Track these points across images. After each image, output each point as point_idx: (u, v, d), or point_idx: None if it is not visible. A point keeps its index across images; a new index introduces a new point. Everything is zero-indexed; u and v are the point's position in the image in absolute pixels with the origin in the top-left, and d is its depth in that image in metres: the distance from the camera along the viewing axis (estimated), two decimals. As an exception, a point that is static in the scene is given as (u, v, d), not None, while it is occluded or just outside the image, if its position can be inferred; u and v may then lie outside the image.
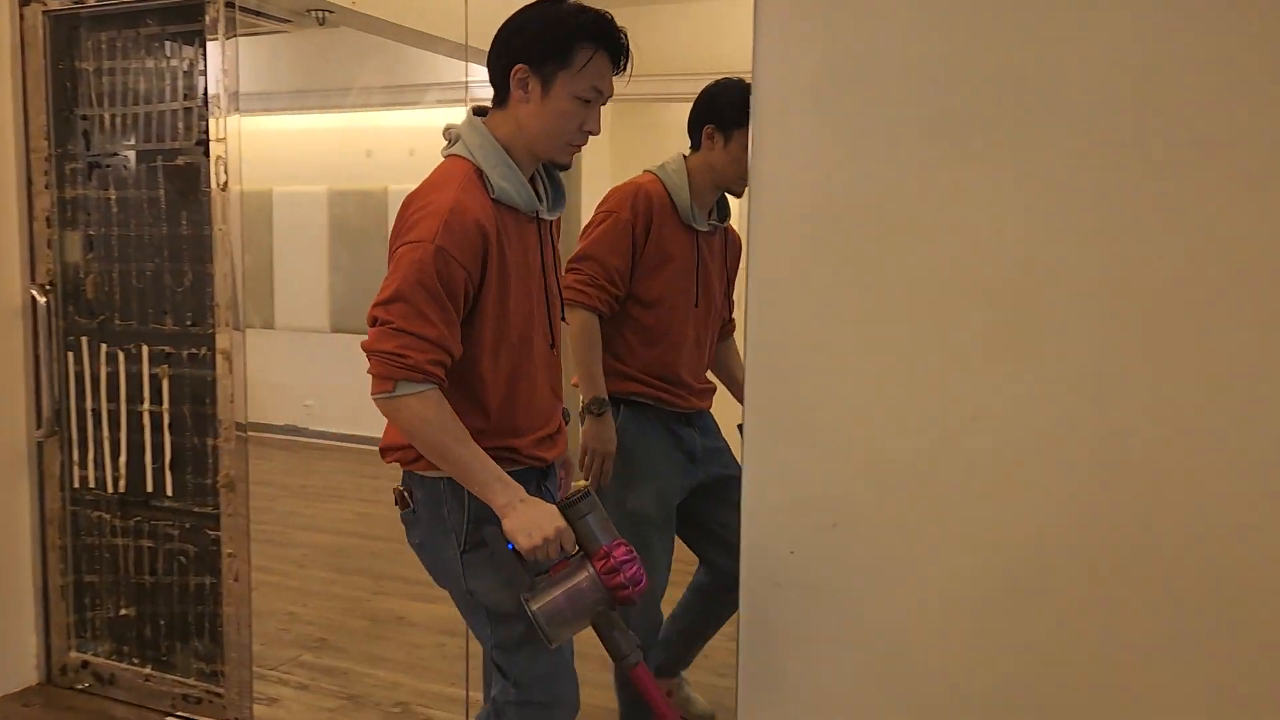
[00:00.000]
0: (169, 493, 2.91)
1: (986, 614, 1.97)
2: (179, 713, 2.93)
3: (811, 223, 2.06)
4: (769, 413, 2.08)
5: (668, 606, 2.71)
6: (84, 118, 2.91)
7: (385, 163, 5.97)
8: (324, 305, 6.22)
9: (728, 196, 2.62)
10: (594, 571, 1.59)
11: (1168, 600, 1.82)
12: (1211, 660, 1.80)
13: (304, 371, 6.18)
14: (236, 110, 2.71)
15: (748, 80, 1.96)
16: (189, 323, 2.85)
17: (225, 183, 2.72)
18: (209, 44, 2.69)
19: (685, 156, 2.51)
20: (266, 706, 2.96)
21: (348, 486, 5.55)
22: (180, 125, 2.80)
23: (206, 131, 2.72)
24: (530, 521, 1.59)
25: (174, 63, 2.79)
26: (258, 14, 3.93)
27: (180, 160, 2.81)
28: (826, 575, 2.07)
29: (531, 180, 1.81)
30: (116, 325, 2.93)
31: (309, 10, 4.02)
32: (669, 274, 2.41)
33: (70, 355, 2.98)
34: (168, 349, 2.88)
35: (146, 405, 2.91)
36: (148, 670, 3.00)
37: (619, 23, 1.79)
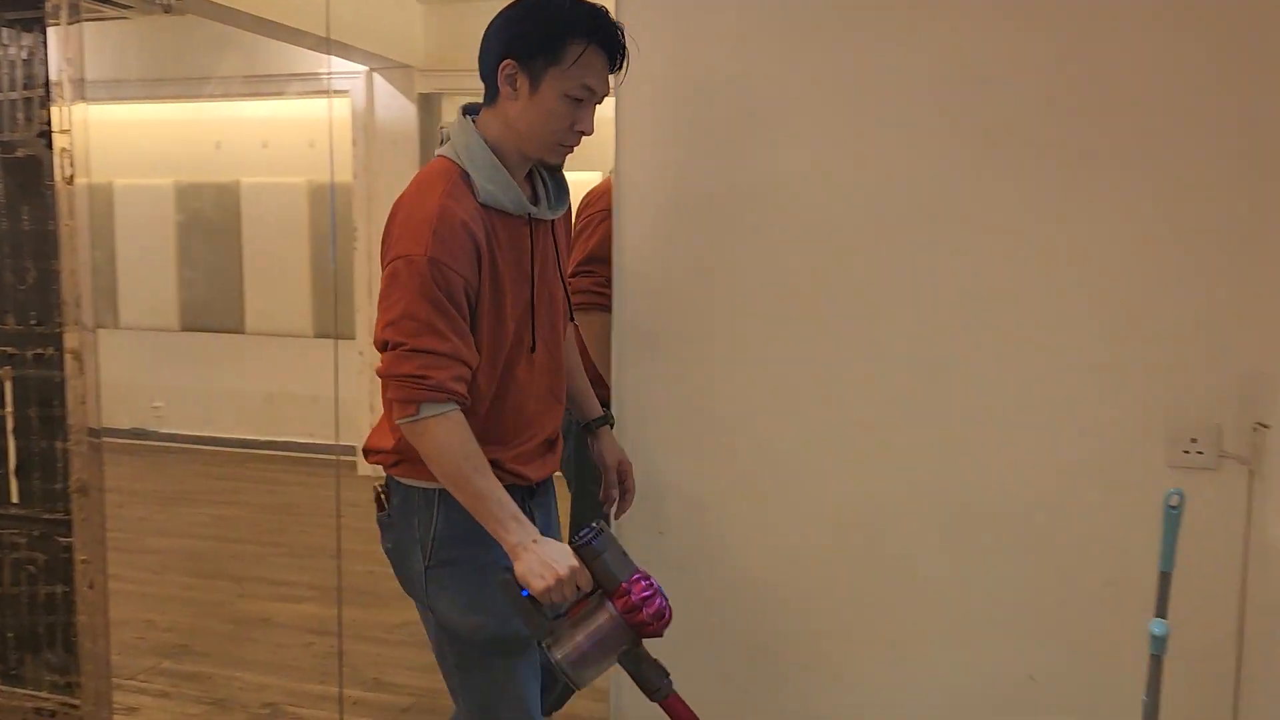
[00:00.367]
0: (15, 499, 2.78)
1: (834, 568, 2.12)
2: (31, 728, 2.81)
3: (669, 219, 2.16)
4: (635, 399, 2.17)
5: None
6: (-90, 106, 2.74)
7: (237, 155, 5.79)
8: (172, 303, 5.99)
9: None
10: (615, 611, 1.49)
11: (989, 549, 2.01)
12: (1022, 591, 1.98)
13: (151, 372, 5.93)
14: (82, 99, 2.61)
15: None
16: (34, 322, 2.73)
17: (71, 175, 2.62)
18: (50, 30, 2.58)
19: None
20: (126, 716, 2.87)
21: (203, 490, 5.37)
22: (20, 116, 2.67)
23: (49, 122, 2.61)
24: (542, 564, 1.49)
25: (12, 51, 2.66)
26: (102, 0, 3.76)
27: (20, 152, 2.68)
28: (694, 550, 2.18)
29: (530, 178, 1.74)
30: (-48, 325, 2.77)
31: (154, -4, 3.87)
32: None
33: (-99, 358, 2.80)
34: (10, 349, 2.74)
35: (-13, 409, 2.77)
36: (-6, 686, 2.86)
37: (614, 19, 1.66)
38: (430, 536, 1.67)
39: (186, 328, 5.99)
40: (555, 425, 1.79)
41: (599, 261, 2.25)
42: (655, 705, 1.52)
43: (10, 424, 2.75)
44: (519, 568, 1.51)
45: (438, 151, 1.68)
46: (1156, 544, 1.58)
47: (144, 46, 5.40)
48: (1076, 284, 1.94)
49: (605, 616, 1.48)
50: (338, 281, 5.50)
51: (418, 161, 5.24)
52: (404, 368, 1.52)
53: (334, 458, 5.51)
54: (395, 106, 5.23)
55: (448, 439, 1.54)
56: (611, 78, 1.67)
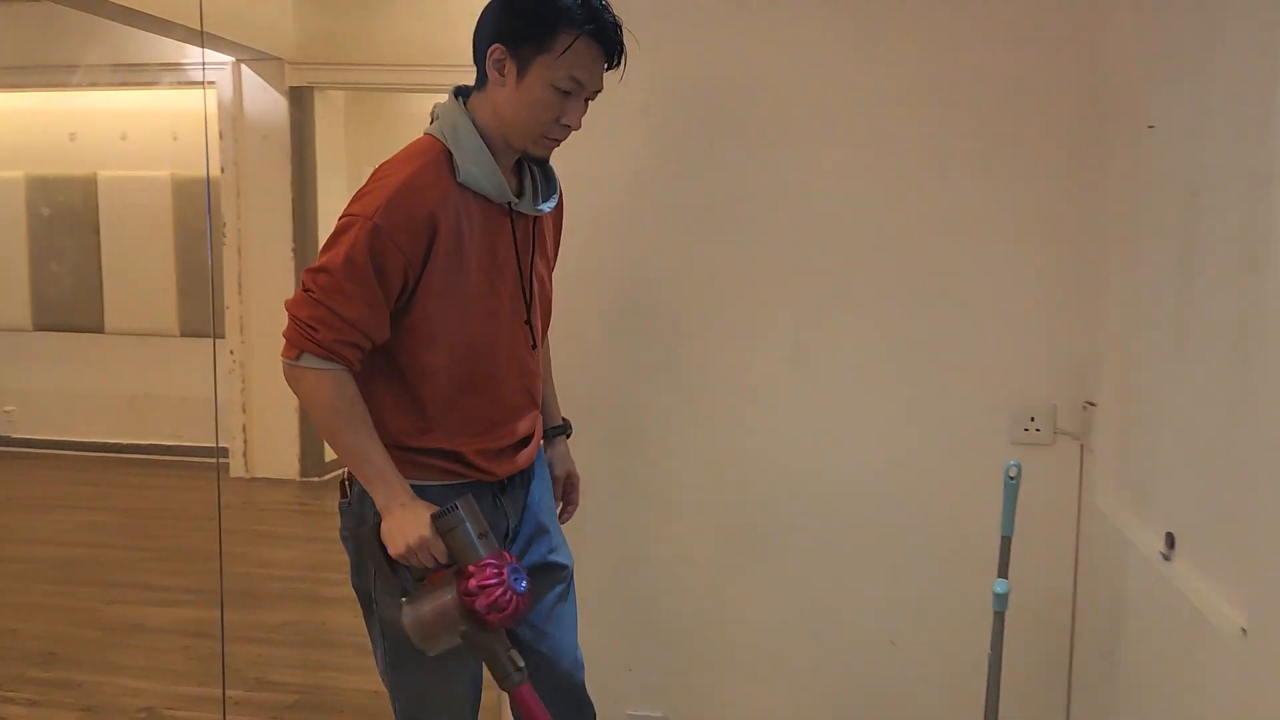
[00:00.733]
0: None
1: (720, 551, 2.25)
2: (-114, 746, 2.69)
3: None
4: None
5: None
6: None
7: (94, 147, 5.55)
8: (24, 301, 5.71)
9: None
10: (455, 591, 1.47)
11: (853, 524, 2.17)
12: (883, 562, 2.14)
13: (2, 374, 5.66)
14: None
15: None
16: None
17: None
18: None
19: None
20: (-8, 727, 2.78)
21: (65, 495, 5.15)
22: None
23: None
24: (399, 528, 1.50)
25: None
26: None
27: None
28: (596, 543, 2.27)
29: (519, 170, 1.69)
30: None
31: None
32: None
33: None
34: None
35: None
36: None
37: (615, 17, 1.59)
38: (377, 523, 1.61)
39: (40, 327, 5.72)
40: (530, 427, 1.75)
41: None
42: None
43: None
44: (384, 526, 1.52)
45: (425, 129, 1.64)
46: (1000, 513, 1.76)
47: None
48: (930, 281, 2.11)
49: (449, 594, 1.47)
50: (214, 278, 5.33)
51: (289, 155, 5.15)
52: (302, 311, 1.52)
53: (208, 460, 5.39)
54: (265, 99, 5.13)
55: (321, 387, 1.53)
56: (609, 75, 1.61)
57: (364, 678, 3.06)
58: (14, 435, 5.72)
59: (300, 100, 5.15)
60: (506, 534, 1.71)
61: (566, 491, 1.93)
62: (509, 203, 1.62)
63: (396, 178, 1.52)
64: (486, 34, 1.57)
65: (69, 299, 5.69)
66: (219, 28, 4.44)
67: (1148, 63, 1.77)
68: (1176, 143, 1.62)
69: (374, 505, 1.57)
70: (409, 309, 1.57)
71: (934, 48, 2.06)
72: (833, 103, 2.11)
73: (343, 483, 1.70)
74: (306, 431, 5.28)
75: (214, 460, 5.31)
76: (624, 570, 2.28)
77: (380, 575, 1.54)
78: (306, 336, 1.51)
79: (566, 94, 1.55)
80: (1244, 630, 1.25)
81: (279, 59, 5.03)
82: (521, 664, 1.51)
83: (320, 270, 1.51)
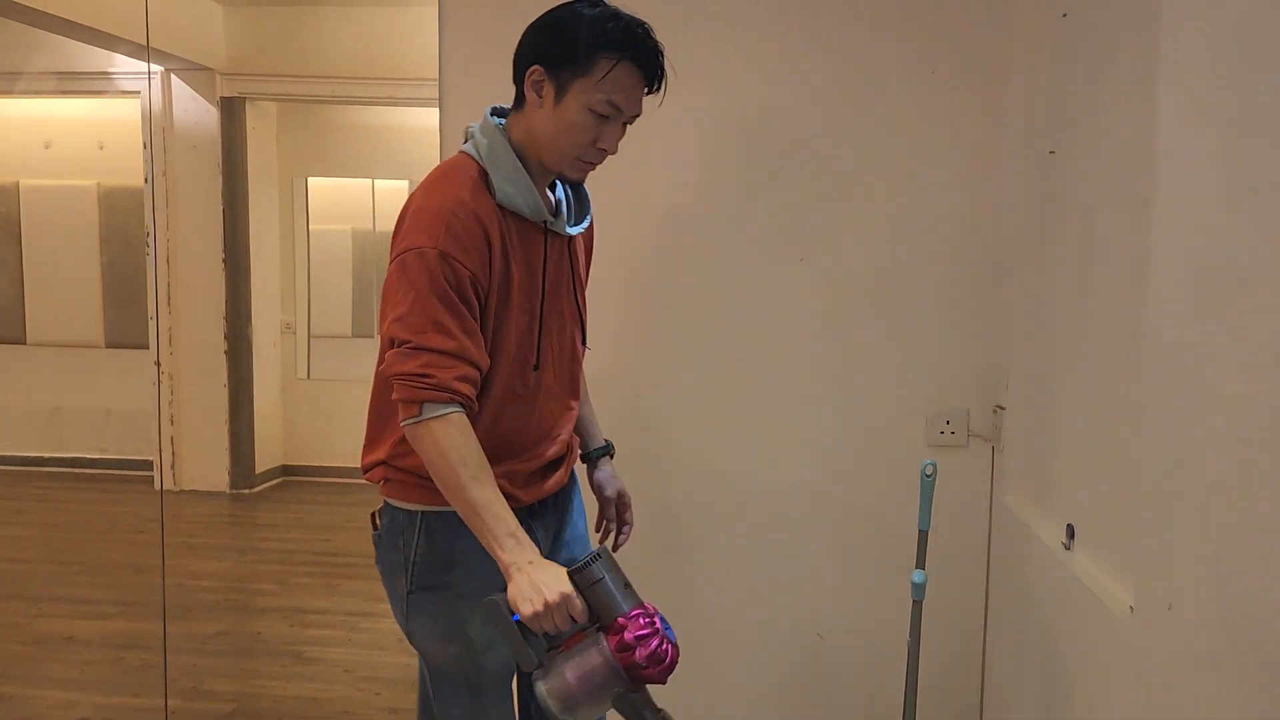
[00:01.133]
0: None
1: (655, 549, 2.34)
2: None
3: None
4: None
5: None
6: None
7: (15, 156, 5.44)
8: (-61, 313, 5.56)
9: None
10: (607, 648, 1.34)
11: (782, 522, 2.29)
12: (811, 558, 2.28)
13: (-85, 386, 5.50)
14: None
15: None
16: None
17: None
18: None
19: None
20: (-80, 744, 2.74)
21: (-19, 511, 5.04)
22: None
23: None
24: (533, 587, 1.36)
25: None
26: None
27: None
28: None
29: (552, 190, 1.67)
30: None
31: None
32: None
33: None
34: None
35: None
36: None
37: (655, 39, 1.55)
38: (413, 559, 1.58)
39: (-44, 337, 5.58)
40: (559, 452, 1.69)
41: None
42: None
43: None
44: (511, 589, 1.39)
45: (461, 148, 1.62)
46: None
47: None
48: (854, 296, 2.25)
49: (596, 654, 1.34)
50: (153, 290, 5.24)
51: (220, 165, 5.13)
52: (407, 365, 1.44)
53: (133, 473, 5.32)
54: (195, 110, 5.10)
55: (447, 442, 1.44)
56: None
57: (301, 685, 3.09)
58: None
59: (232, 111, 5.13)
60: None
61: (620, 512, 1.88)
62: (544, 222, 1.59)
63: (442, 200, 1.49)
64: (526, 55, 1.55)
65: (-3, 309, 5.56)
66: (143, 36, 4.41)
67: (1048, 95, 1.93)
68: (1074, 167, 1.77)
69: (404, 539, 1.55)
70: None
71: (858, 81, 2.20)
72: (758, 128, 2.24)
73: (373, 516, 1.65)
74: (237, 443, 5.25)
75: (140, 473, 5.24)
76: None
77: (512, 644, 1.37)
78: (422, 386, 1.43)
79: (604, 118, 1.53)
80: (1132, 609, 1.39)
81: (210, 69, 5.01)
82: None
83: (406, 315, 1.45)
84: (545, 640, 1.37)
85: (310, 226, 5.83)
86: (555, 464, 1.69)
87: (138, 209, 5.25)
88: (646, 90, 1.56)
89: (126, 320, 5.45)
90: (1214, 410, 1.13)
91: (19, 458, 5.51)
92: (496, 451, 1.53)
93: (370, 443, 1.63)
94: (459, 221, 1.47)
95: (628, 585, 1.38)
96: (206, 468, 5.26)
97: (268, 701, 3.00)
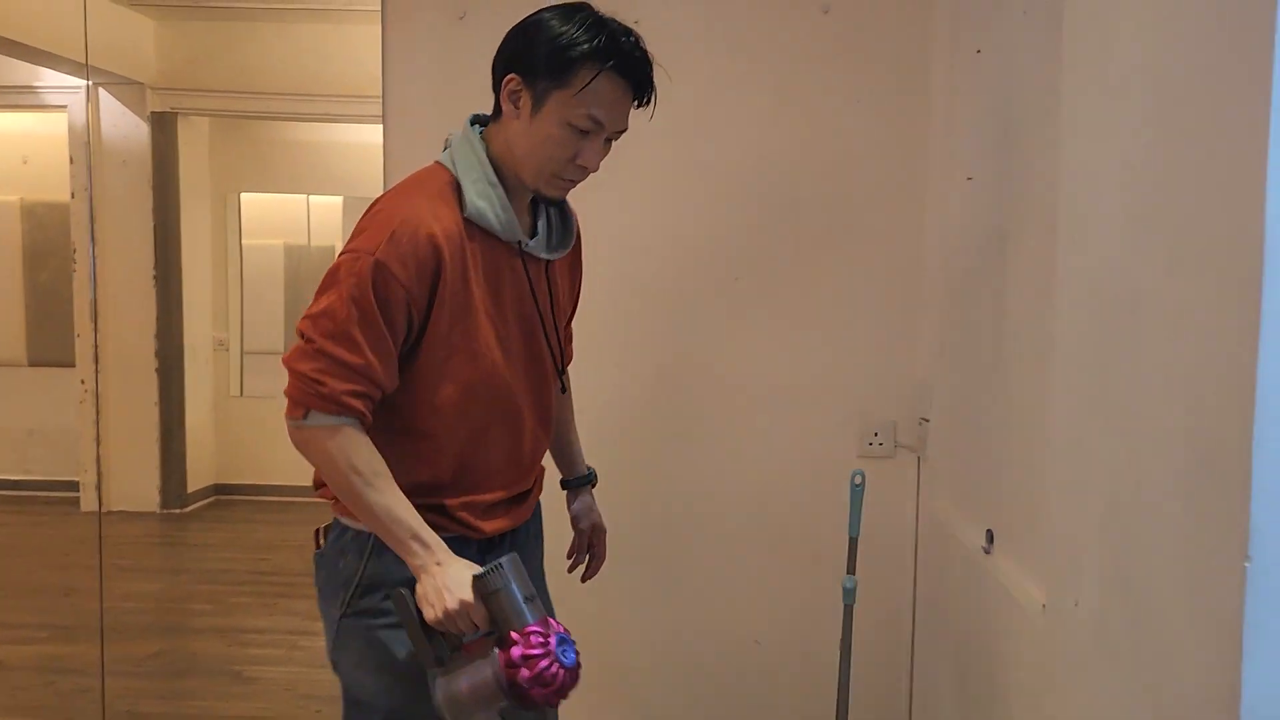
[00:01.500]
0: None
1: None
2: None
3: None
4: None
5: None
6: None
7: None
8: None
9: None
10: (498, 661, 1.31)
11: (720, 531, 2.36)
12: (747, 565, 2.36)
13: None
14: None
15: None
16: None
17: None
18: None
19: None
20: None
21: (-98, 535, 4.88)
22: None
23: None
24: (436, 590, 1.33)
25: None
26: None
27: None
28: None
29: (534, 210, 1.56)
30: None
31: None
32: None
33: None
34: None
35: None
36: None
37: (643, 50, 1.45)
38: (355, 581, 1.47)
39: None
40: (525, 485, 1.60)
41: None
42: None
43: None
44: (418, 589, 1.36)
45: (437, 158, 1.52)
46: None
47: None
48: (786, 314, 2.35)
49: (488, 666, 1.31)
50: (80, 306, 5.13)
51: (149, 181, 5.07)
52: (303, 365, 1.36)
53: (58, 494, 5.19)
54: (125, 124, 5.04)
55: (335, 450, 1.37)
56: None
57: (240, 704, 3.08)
58: None
59: (163, 125, 5.08)
60: None
61: (592, 544, 1.82)
62: (519, 242, 1.49)
63: (399, 210, 1.40)
64: (503, 62, 1.45)
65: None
66: (75, 51, 4.36)
67: (965, 126, 2.05)
68: (989, 194, 1.89)
69: (347, 559, 1.47)
70: (415, 353, 1.43)
71: (789, 110, 2.31)
72: (693, 154, 2.33)
73: (316, 532, 1.56)
74: (169, 462, 5.17)
75: (65, 494, 5.13)
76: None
77: (414, 642, 1.36)
78: (312, 391, 1.35)
79: (584, 133, 1.42)
80: (1044, 606, 1.49)
81: (141, 84, 4.95)
82: None
83: (320, 315, 1.37)
84: (449, 640, 1.35)
85: (243, 241, 5.78)
86: (520, 497, 1.59)
87: (63, 225, 5.16)
88: (635, 104, 1.46)
89: (50, 338, 5.34)
90: (1111, 422, 1.24)
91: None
92: (461, 480, 1.48)
93: None
94: (407, 235, 1.37)
95: (531, 599, 1.34)
96: (136, 487, 5.17)
97: (205, 721, 2.99)
